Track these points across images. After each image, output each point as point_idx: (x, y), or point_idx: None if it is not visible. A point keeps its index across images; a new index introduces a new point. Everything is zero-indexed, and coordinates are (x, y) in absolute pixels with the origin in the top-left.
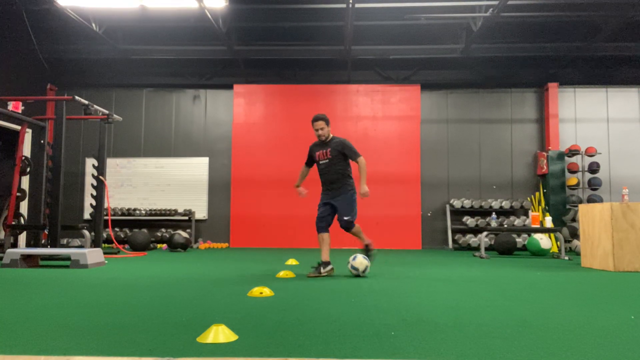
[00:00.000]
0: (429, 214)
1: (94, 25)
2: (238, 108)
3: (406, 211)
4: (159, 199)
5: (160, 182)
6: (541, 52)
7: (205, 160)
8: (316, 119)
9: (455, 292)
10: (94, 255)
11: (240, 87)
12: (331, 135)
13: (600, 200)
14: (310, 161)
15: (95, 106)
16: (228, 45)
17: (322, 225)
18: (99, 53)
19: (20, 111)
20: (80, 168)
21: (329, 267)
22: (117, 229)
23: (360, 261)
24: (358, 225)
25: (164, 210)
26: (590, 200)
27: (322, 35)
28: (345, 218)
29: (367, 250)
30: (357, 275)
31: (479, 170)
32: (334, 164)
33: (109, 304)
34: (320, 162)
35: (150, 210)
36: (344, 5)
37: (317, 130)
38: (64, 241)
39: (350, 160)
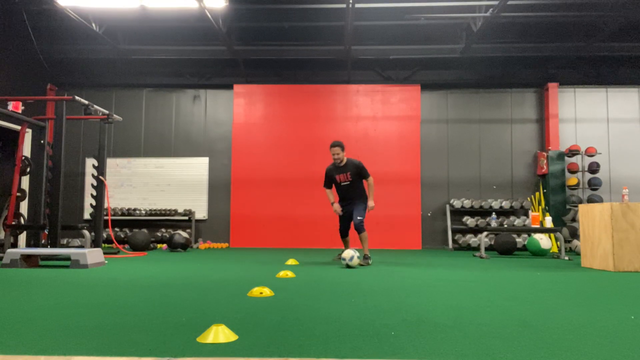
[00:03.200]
0: (429, 214)
1: (94, 25)
2: (238, 108)
3: (406, 211)
4: (159, 199)
5: (160, 182)
6: (541, 52)
7: (205, 160)
8: (334, 145)
9: (455, 292)
10: (94, 255)
11: (240, 87)
12: (346, 159)
13: (600, 200)
14: (329, 182)
15: (95, 106)
16: (228, 45)
17: (342, 231)
18: (99, 53)
19: (20, 111)
20: (80, 168)
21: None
22: (117, 229)
23: (355, 261)
24: (366, 234)
25: (164, 210)
26: (590, 200)
27: (322, 35)
28: (359, 218)
29: (364, 259)
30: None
31: (479, 170)
32: (355, 185)
33: (109, 304)
34: (342, 184)
35: (150, 210)
36: (344, 5)
37: (334, 155)
38: (64, 241)
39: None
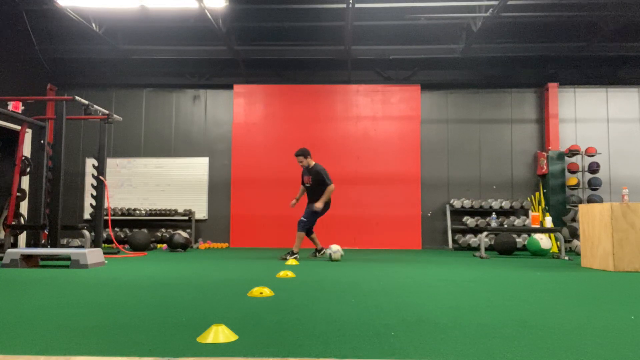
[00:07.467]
0: (429, 214)
1: (94, 25)
2: (238, 108)
3: (406, 211)
4: (159, 199)
5: (160, 182)
6: (541, 52)
7: (205, 160)
8: (296, 154)
9: (455, 292)
10: (94, 255)
11: (240, 87)
12: (314, 164)
13: (600, 200)
14: (302, 181)
15: (95, 106)
16: (228, 45)
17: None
18: (99, 53)
19: (20, 111)
20: (80, 168)
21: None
22: (117, 229)
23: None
24: (302, 234)
25: (164, 210)
26: (590, 200)
27: (322, 35)
28: (302, 218)
29: (291, 254)
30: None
31: (479, 170)
32: (315, 188)
33: (108, 304)
34: (306, 185)
35: (150, 210)
36: (344, 5)
37: (299, 162)
38: (64, 241)
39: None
